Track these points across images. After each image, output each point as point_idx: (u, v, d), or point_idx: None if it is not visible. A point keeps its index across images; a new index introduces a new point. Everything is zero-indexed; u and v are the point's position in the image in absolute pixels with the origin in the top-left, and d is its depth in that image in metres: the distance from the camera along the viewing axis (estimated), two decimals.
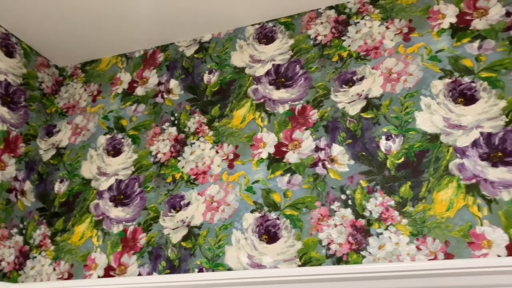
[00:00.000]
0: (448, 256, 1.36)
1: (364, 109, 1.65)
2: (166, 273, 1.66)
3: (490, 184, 1.39)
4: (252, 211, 1.65)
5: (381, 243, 1.44)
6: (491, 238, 1.34)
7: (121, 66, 2.18)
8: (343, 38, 1.79)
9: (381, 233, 1.45)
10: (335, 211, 1.54)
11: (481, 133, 1.46)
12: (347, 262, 1.46)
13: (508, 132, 1.43)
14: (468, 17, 1.63)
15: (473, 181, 1.41)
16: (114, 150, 1.99)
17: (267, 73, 1.87)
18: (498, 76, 1.51)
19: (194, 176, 1.79)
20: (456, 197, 1.42)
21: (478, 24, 1.61)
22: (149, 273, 1.69)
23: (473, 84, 1.53)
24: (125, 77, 2.14)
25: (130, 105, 2.07)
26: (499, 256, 1.31)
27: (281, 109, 1.78)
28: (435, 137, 1.51)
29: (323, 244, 1.51)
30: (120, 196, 1.88)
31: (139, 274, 1.70)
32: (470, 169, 1.43)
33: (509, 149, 1.41)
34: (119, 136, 2.02)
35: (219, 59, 1.99)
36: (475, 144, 1.46)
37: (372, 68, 1.70)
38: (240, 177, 1.72)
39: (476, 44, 1.59)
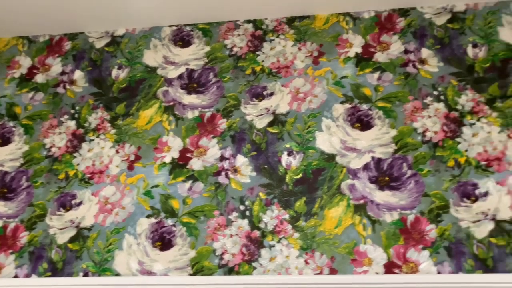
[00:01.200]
0: (332, 271, 1.43)
1: (270, 124, 1.69)
2: (47, 276, 1.54)
3: (376, 205, 1.50)
4: (148, 216, 1.60)
5: (272, 255, 1.48)
6: (372, 256, 1.43)
7: (22, 49, 2.01)
8: (257, 52, 1.83)
9: (274, 246, 1.49)
10: (232, 221, 1.55)
11: (373, 158, 1.57)
12: (238, 273, 1.47)
13: (396, 159, 1.56)
14: (372, 49, 1.76)
15: (361, 201, 1.51)
16: (3, 139, 1.82)
17: (180, 77, 1.84)
18: (392, 106, 1.64)
19: (89, 175, 1.70)
20: (345, 215, 1.50)
21: (380, 57, 1.74)
22: (27, 275, 1.55)
23: (370, 112, 1.65)
24: (25, 62, 1.97)
25: (27, 92, 1.91)
26: (377, 273, 1.41)
27: (190, 115, 1.76)
28: (331, 157, 1.60)
29: (216, 253, 1.51)
30: (4, 190, 1.72)
31: (16, 276, 1.56)
32: (359, 190, 1.53)
33: (395, 175, 1.53)
34: (10, 124, 1.85)
35: (130, 55, 1.92)
36: (366, 167, 1.56)
37: (282, 86, 1.75)
38: (139, 180, 1.67)
39: (376, 75, 1.71)
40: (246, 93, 1.76)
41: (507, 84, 1.61)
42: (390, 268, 1.41)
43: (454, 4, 1.78)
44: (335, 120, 1.66)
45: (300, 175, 1.59)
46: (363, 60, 1.75)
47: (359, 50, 1.77)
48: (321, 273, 1.43)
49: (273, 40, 1.85)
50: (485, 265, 1.37)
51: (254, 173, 1.61)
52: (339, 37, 1.80)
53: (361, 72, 1.73)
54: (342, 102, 1.69)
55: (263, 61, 1.81)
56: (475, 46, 1.70)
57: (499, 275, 1.34)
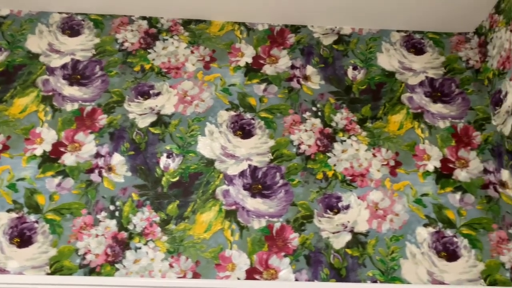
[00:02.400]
0: (196, 275, 1.43)
1: (153, 124, 1.67)
2: None
3: (246, 212, 1.53)
4: (9, 211, 1.50)
5: (137, 257, 1.45)
6: (236, 261, 1.46)
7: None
8: (149, 50, 1.80)
9: (140, 248, 1.46)
10: (100, 221, 1.50)
11: (249, 166, 1.61)
12: (99, 274, 1.42)
13: (270, 168, 1.61)
14: (261, 61, 1.81)
15: (233, 207, 1.54)
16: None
17: (64, 66, 1.75)
18: (274, 118, 1.70)
19: None
20: (216, 220, 1.52)
21: (268, 69, 1.79)
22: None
23: (253, 121, 1.69)
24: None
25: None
26: (238, 279, 1.44)
27: (69, 107, 1.68)
28: (210, 162, 1.61)
29: (79, 253, 1.45)
30: None
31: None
32: (233, 196, 1.56)
33: (268, 183, 1.58)
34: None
35: (12, 39, 1.79)
36: (242, 174, 1.60)
37: (170, 87, 1.74)
38: (4, 172, 1.56)
39: (262, 86, 1.76)
40: (132, 90, 1.73)
41: (379, 107, 1.74)
42: (251, 274, 1.44)
43: (342, 27, 1.89)
44: (218, 126, 1.68)
45: (177, 178, 1.58)
46: (252, 70, 1.79)
47: (250, 60, 1.81)
48: (184, 276, 1.43)
49: (167, 40, 1.83)
50: (338, 274, 1.46)
51: (129, 173, 1.58)
52: (232, 45, 1.83)
53: (249, 82, 1.77)
54: (227, 109, 1.71)
55: (153, 59, 1.79)
56: (355, 68, 1.81)
57: (350, 284, 1.43)
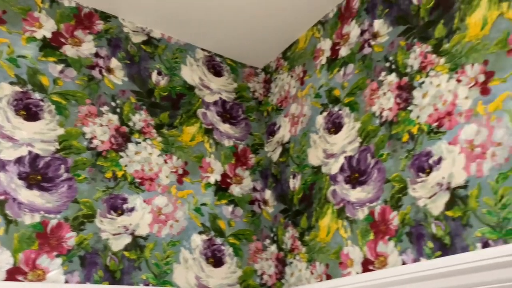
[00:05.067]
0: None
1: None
2: None
3: (18, 204, 1.35)
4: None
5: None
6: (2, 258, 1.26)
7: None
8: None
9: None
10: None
11: (30, 152, 1.42)
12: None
13: (55, 159, 1.46)
14: (62, 39, 1.63)
15: (2, 197, 1.33)
16: None
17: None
18: (67, 104, 1.56)
19: None
20: None
21: (69, 50, 1.63)
22: None
23: (42, 103, 1.51)
24: None
25: None
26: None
27: None
28: None
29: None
30: None
31: None
32: (3, 184, 1.35)
33: (50, 175, 1.43)
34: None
35: None
36: (19, 161, 1.40)
37: None
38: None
39: (59, 67, 1.59)
40: None
41: (176, 116, 1.81)
42: (13, 274, 1.27)
43: (152, 29, 1.89)
44: None
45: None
46: (49, 47, 1.60)
47: (49, 35, 1.61)
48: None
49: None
50: (113, 277, 1.43)
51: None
52: (30, 11, 1.60)
53: (43, 58, 1.57)
54: (12, 83, 1.48)
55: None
56: (159, 73, 1.84)
57: (122, 287, 1.42)
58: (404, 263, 1.29)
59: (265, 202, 1.88)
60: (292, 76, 1.97)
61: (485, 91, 1.18)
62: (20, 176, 1.38)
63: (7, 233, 1.30)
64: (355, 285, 1.34)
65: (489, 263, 1.03)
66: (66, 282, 1.34)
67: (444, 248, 1.18)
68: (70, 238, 1.40)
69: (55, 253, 1.36)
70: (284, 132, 1.92)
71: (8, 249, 1.29)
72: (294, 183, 1.78)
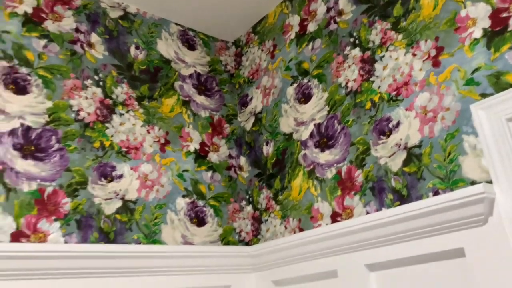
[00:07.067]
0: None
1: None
2: None
3: (15, 173, 1.43)
4: None
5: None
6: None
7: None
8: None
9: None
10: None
11: (22, 125, 1.49)
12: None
13: (46, 131, 1.54)
14: (43, 15, 1.68)
15: (0, 167, 1.41)
16: None
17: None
18: (53, 78, 1.62)
19: None
20: None
21: (50, 26, 1.69)
22: None
23: (29, 77, 1.57)
24: None
25: None
26: (1, 242, 1.34)
27: None
28: None
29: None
30: None
31: None
32: (0, 155, 1.42)
33: (42, 146, 1.51)
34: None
35: None
36: (12, 133, 1.47)
37: None
38: None
39: (43, 42, 1.65)
40: None
41: (155, 88, 1.91)
42: (17, 237, 1.37)
43: (128, 5, 1.96)
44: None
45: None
46: (32, 22, 1.64)
47: (30, 10, 1.65)
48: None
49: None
50: (107, 238, 1.55)
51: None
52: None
53: (27, 33, 1.62)
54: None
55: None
56: (137, 48, 1.92)
57: (117, 245, 1.55)
58: (367, 213, 1.49)
59: (240, 168, 2.04)
60: (262, 50, 2.11)
61: (436, 63, 1.38)
62: (15, 147, 1.46)
63: (7, 200, 1.39)
64: (325, 234, 1.53)
65: (438, 207, 1.24)
66: (66, 242, 1.45)
67: (402, 199, 1.40)
68: (66, 204, 1.50)
69: (53, 218, 1.46)
70: (257, 102, 2.07)
71: (10, 214, 1.38)
72: (267, 150, 1.94)
